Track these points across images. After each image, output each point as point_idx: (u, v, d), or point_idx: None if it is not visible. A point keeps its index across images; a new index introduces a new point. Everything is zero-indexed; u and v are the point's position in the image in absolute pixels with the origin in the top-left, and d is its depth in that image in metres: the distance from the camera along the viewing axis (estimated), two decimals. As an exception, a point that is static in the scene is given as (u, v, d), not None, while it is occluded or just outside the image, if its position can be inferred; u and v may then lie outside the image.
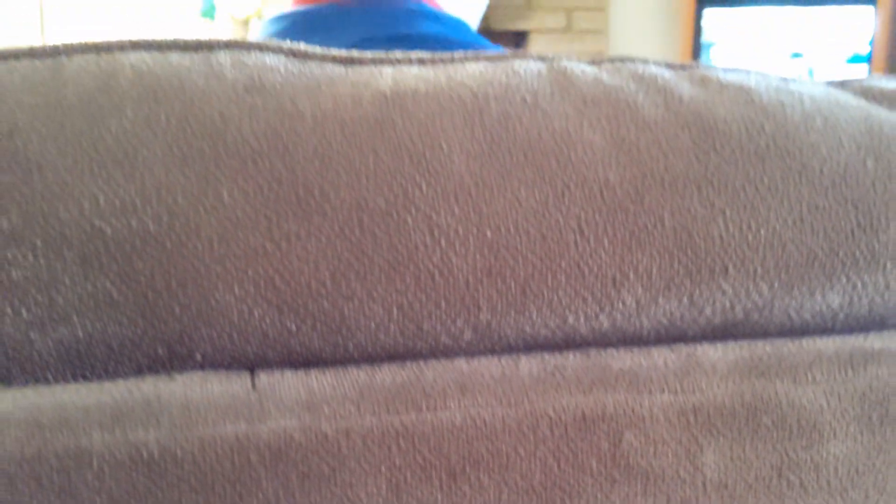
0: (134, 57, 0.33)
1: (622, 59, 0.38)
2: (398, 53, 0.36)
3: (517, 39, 4.40)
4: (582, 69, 0.36)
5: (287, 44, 0.35)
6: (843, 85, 0.39)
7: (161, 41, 0.34)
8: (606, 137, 0.33)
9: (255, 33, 0.65)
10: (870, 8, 3.90)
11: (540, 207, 0.32)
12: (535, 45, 4.31)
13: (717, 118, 0.34)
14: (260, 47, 0.34)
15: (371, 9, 0.61)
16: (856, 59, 4.00)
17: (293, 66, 0.34)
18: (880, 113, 0.37)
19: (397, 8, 0.61)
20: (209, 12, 3.90)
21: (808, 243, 0.33)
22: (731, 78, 0.37)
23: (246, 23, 4.04)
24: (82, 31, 3.52)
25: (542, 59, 0.37)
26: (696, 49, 4.25)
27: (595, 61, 0.37)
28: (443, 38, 0.57)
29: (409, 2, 0.61)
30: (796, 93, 0.36)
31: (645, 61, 0.38)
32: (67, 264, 0.29)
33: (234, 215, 0.30)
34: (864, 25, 3.92)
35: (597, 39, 4.35)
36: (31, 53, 0.33)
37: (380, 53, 0.36)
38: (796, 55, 4.06)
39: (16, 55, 0.33)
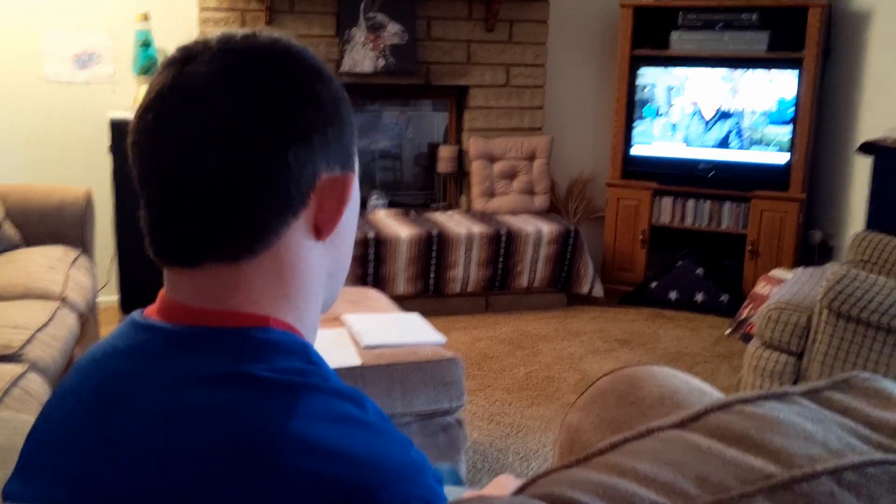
0: None
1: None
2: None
3: (459, 94, 4.50)
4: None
5: None
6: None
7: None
8: None
9: (143, 341, 0.70)
10: (794, 72, 4.08)
11: None
12: (475, 99, 4.42)
13: None
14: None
15: (222, 339, 0.68)
16: (781, 118, 4.17)
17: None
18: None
19: (247, 338, 0.68)
20: (150, 69, 3.93)
21: None
22: None
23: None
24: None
25: None
26: (630, 105, 4.39)
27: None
28: (284, 379, 0.64)
29: (256, 330, 0.68)
30: None
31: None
32: None
33: None
34: (789, 88, 4.10)
35: (535, 94, 4.47)
36: None
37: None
38: (725, 114, 4.22)
39: None
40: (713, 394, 1.06)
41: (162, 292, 0.73)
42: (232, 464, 0.60)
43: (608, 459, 0.62)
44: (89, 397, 0.69)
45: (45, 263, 2.76)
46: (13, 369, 1.91)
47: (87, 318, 2.73)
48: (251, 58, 0.69)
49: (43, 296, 2.49)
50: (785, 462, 0.58)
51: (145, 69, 3.93)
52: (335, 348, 2.14)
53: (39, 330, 2.20)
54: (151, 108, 0.68)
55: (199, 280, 0.69)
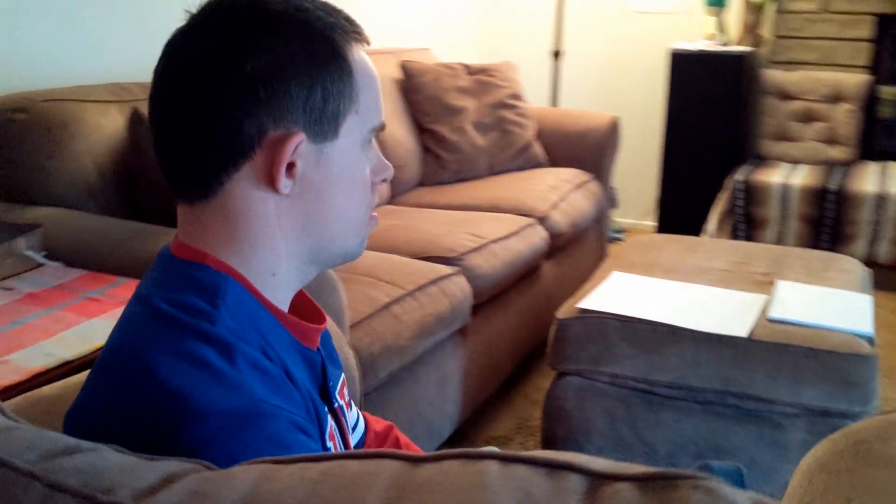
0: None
1: None
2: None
3: (882, 22, 3.39)
4: None
5: None
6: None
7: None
8: None
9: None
10: None
11: None
12: None
13: None
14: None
15: (166, 266, 0.77)
16: None
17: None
18: None
19: (176, 269, 0.76)
20: (718, 1, 3.88)
21: None
22: None
23: (759, 8, 3.88)
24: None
25: None
26: None
27: None
28: (170, 312, 0.70)
29: (190, 265, 0.75)
30: None
31: None
32: None
33: None
34: None
35: None
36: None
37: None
38: None
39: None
40: None
41: None
42: (109, 372, 0.71)
43: (298, 470, 0.54)
44: None
45: (551, 182, 3.02)
46: (442, 270, 2.19)
47: (572, 238, 2.92)
48: (214, 11, 0.74)
49: (525, 212, 2.74)
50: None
51: (715, 2, 3.86)
52: (735, 313, 1.93)
53: (495, 241, 2.45)
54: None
55: (178, 215, 0.79)
